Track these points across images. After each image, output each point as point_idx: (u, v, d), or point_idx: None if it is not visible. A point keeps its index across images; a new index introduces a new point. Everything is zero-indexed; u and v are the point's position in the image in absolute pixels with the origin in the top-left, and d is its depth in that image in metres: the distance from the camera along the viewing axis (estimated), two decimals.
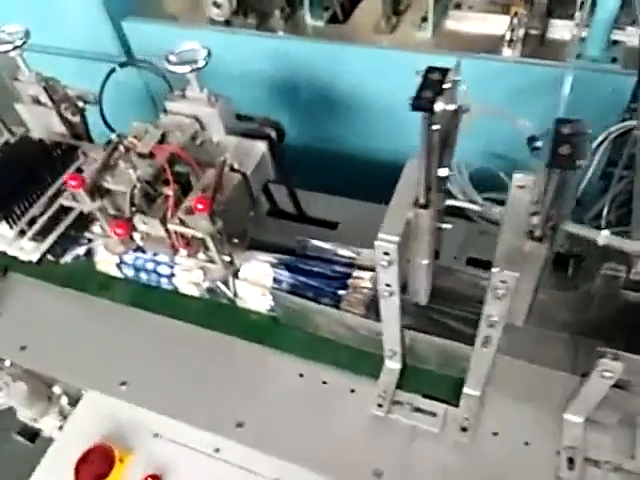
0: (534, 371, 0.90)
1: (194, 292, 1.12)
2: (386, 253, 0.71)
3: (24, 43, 1.13)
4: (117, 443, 0.94)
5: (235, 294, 1.08)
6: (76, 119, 1.21)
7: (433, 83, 0.62)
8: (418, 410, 0.91)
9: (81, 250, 1.19)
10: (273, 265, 1.05)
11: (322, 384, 0.98)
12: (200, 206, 0.86)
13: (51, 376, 1.09)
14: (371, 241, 1.08)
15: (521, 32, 1.21)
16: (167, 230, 0.99)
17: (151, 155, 0.98)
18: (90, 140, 1.26)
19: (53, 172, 1.19)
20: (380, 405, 0.91)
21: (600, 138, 1.17)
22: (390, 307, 0.80)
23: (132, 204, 0.98)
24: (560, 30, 1.27)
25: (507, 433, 0.88)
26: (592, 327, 0.89)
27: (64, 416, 1.13)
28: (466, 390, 0.91)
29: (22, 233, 1.13)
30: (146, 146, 0.98)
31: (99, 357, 1.07)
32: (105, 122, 1.12)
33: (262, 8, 1.45)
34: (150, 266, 1.13)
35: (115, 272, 1.18)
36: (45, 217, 1.13)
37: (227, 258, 0.98)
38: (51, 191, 1.16)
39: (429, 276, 0.82)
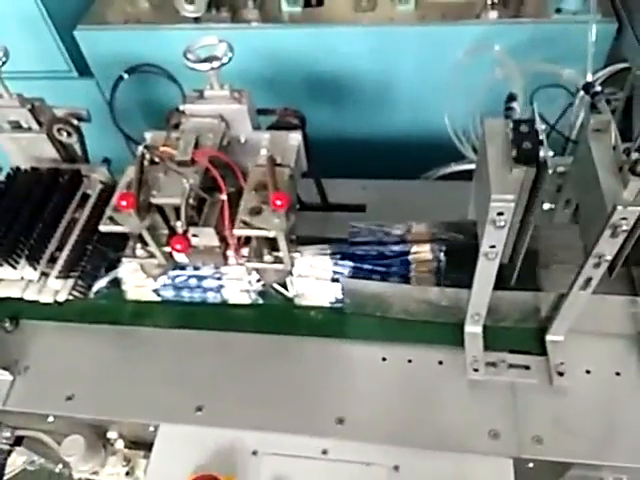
0: (604, 302, 0.94)
1: (246, 300, 1.07)
2: (500, 213, 0.71)
3: (4, 63, 1.01)
4: (216, 471, 0.88)
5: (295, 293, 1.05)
6: (71, 140, 1.10)
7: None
8: (512, 366, 0.93)
9: (103, 282, 1.10)
10: (330, 256, 1.02)
11: (408, 363, 0.97)
12: (279, 202, 0.82)
13: (116, 420, 0.99)
14: (402, 216, 1.10)
15: None
16: (223, 238, 0.94)
17: (192, 162, 0.92)
18: (87, 161, 1.16)
19: (59, 202, 1.08)
20: (476, 369, 0.92)
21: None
22: (489, 270, 0.81)
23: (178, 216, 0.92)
24: None
25: (598, 368, 0.92)
26: None
27: (127, 461, 1.04)
28: (551, 337, 0.94)
29: (44, 274, 1.02)
30: (185, 153, 0.92)
31: (162, 387, 0.99)
32: (125, 134, 1.03)
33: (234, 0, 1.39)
34: (193, 282, 1.06)
35: (150, 297, 1.09)
36: (66, 252, 1.03)
37: (296, 255, 0.94)
38: (64, 223, 1.06)
39: (515, 235, 0.84)
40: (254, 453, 0.91)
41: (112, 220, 0.91)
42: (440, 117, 1.34)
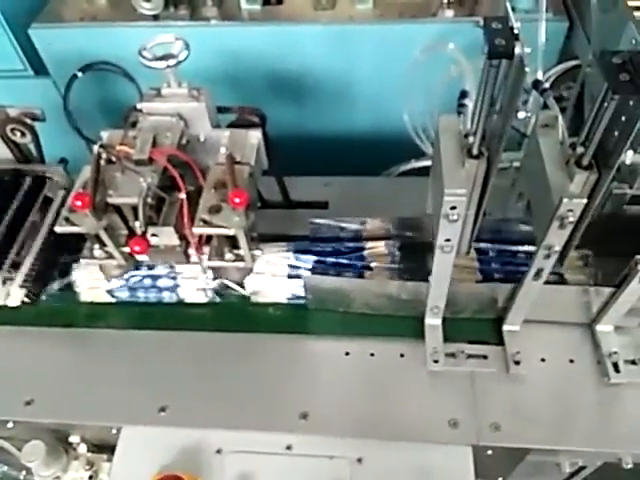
0: (558, 292, 0.97)
1: (202, 299, 1.06)
2: (453, 207, 0.73)
3: None
4: (181, 470, 0.88)
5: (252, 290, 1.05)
6: (25, 140, 1.08)
7: (499, 31, 0.64)
8: (470, 356, 0.95)
9: (57, 285, 1.08)
10: (292, 252, 1.03)
11: (370, 356, 0.99)
12: (238, 200, 0.82)
13: (77, 424, 0.98)
14: (364, 212, 1.12)
15: None
16: (183, 237, 0.94)
17: (150, 161, 0.91)
18: (42, 161, 1.13)
19: (6, 204, 1.05)
20: (436, 361, 0.94)
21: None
22: (445, 263, 0.83)
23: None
24: None
25: (553, 356, 0.95)
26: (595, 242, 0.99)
27: (91, 465, 1.02)
28: (507, 327, 0.97)
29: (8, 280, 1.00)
30: (143, 152, 0.91)
31: (123, 389, 0.98)
32: (80, 133, 1.01)
33: None
34: (148, 282, 1.05)
35: (105, 298, 1.08)
36: (30, 258, 1.01)
37: (257, 252, 0.95)
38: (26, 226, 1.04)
39: (473, 228, 0.86)
40: (218, 452, 0.91)
41: (68, 221, 0.90)
42: (400, 115, 1.36)
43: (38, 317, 1.07)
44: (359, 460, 0.88)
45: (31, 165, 1.11)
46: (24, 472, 1.42)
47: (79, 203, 0.83)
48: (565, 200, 0.69)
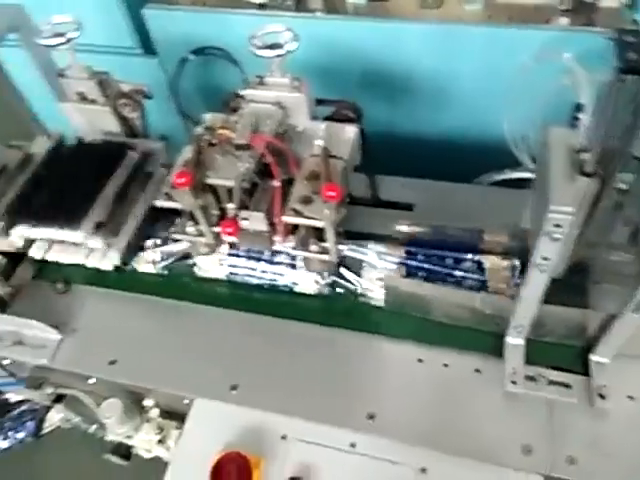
0: None
1: (312, 290, 1.06)
2: (558, 225, 0.69)
3: (78, 36, 1.05)
4: (244, 450, 0.90)
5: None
6: (134, 115, 1.13)
7: (631, 45, 0.60)
8: (552, 383, 0.91)
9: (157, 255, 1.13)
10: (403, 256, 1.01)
11: (444, 367, 0.96)
12: (331, 194, 0.82)
13: (154, 389, 1.02)
14: (450, 219, 1.09)
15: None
16: (272, 223, 0.95)
17: (249, 146, 0.93)
18: (145, 137, 1.19)
19: (109, 173, 1.11)
20: (514, 382, 0.91)
21: None
22: (538, 281, 0.79)
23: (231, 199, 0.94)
24: None
25: None
26: None
27: (160, 429, 1.07)
28: (596, 358, 0.92)
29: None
30: (243, 137, 0.93)
31: (200, 363, 1.01)
32: (185, 114, 1.04)
33: None
34: (265, 267, 1.07)
35: (221, 276, 1.11)
36: (132, 224, 1.06)
37: (342, 247, 0.95)
38: (110, 192, 1.09)
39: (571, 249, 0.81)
40: (283, 437, 0.92)
41: (168, 196, 0.94)
42: (497, 121, 1.31)
43: (132, 284, 1.13)
44: (423, 470, 0.86)
45: (135, 139, 1.16)
46: (94, 426, 1.51)
47: (181, 180, 0.86)
48: None
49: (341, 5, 1.39)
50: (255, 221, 0.94)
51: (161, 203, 0.94)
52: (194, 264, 1.11)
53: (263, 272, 1.08)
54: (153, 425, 1.07)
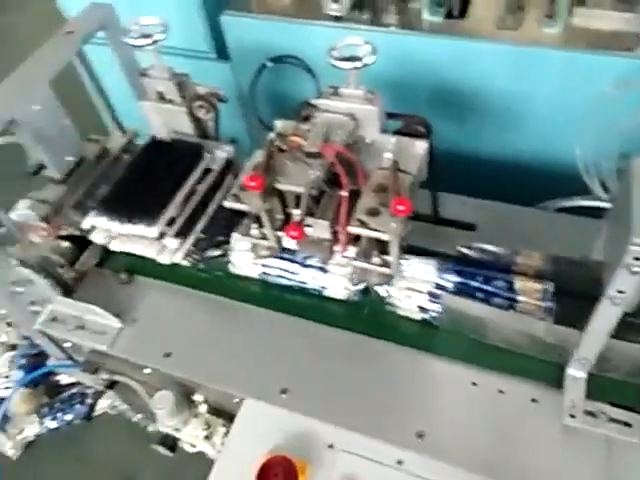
0: None
1: (343, 295, 1.08)
2: (638, 258, 0.67)
3: (164, 38, 1.09)
4: (291, 454, 0.90)
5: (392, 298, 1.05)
6: (208, 117, 1.17)
7: None
8: (612, 420, 0.88)
9: (216, 252, 1.16)
10: (431, 268, 1.02)
11: (499, 393, 0.94)
12: (401, 208, 0.82)
13: (206, 385, 1.05)
14: (512, 242, 1.07)
15: None
16: (334, 232, 0.96)
17: (319, 155, 0.95)
18: (216, 138, 1.22)
19: (184, 172, 1.15)
20: (573, 415, 0.88)
21: None
22: (610, 315, 0.77)
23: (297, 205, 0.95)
24: None
25: None
26: None
27: (208, 425, 1.09)
28: None
29: (162, 235, 1.09)
30: (315, 145, 0.95)
31: (252, 363, 1.03)
32: (261, 120, 1.07)
33: (375, 3, 1.41)
34: (298, 269, 1.09)
35: (255, 275, 1.14)
36: (184, 216, 1.10)
37: (403, 262, 0.95)
38: (185, 191, 1.13)
39: None
40: (330, 446, 0.92)
41: (236, 198, 0.96)
42: (567, 148, 1.29)
43: (192, 280, 1.17)
44: None
45: (207, 141, 1.20)
46: (139, 415, 1.55)
47: (253, 184, 0.88)
48: None
49: (416, 21, 1.40)
50: (319, 229, 0.95)
51: (229, 204, 0.96)
52: (229, 262, 1.14)
53: (294, 274, 1.10)
54: (201, 420, 1.09)
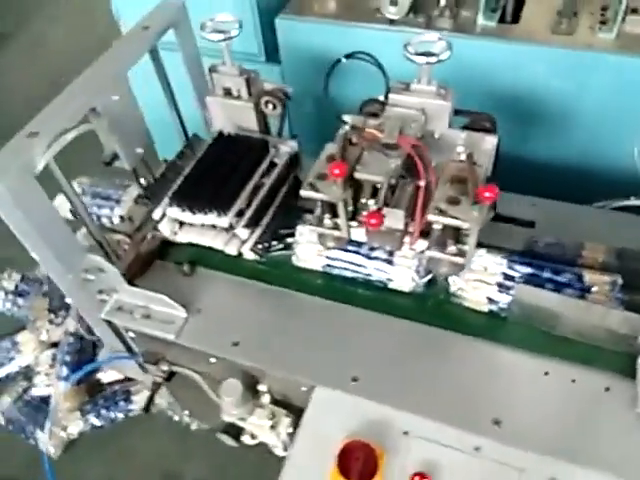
0: None
1: (409, 287, 1.10)
2: None
3: (239, 34, 1.13)
4: (367, 440, 0.91)
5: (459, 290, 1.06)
6: (275, 112, 1.19)
7: None
8: None
9: (280, 245, 1.18)
10: (501, 259, 1.03)
11: (571, 382, 0.95)
12: (488, 194, 0.84)
13: (274, 372, 1.06)
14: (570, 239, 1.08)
15: None
16: (406, 223, 0.98)
17: (395, 146, 0.97)
18: (279, 135, 1.25)
19: (252, 166, 1.17)
20: None
21: None
22: None
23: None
24: None
25: None
26: None
27: (272, 415, 1.10)
28: None
29: (232, 226, 1.11)
30: (392, 137, 0.97)
31: (321, 353, 1.04)
32: (333, 108, 1.09)
33: (430, 8, 1.45)
34: (362, 261, 1.11)
35: (318, 267, 1.15)
36: (253, 208, 1.12)
37: (480, 252, 0.96)
38: (251, 184, 1.15)
39: None
40: (405, 433, 0.93)
41: (313, 187, 0.98)
42: (618, 150, 1.31)
43: (254, 272, 1.18)
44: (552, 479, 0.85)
45: (271, 137, 1.23)
46: (186, 412, 1.56)
47: (337, 171, 0.90)
48: None
49: (470, 26, 1.43)
50: (394, 218, 0.97)
51: (306, 193, 0.98)
52: (291, 254, 1.16)
53: (359, 266, 1.12)
54: (266, 411, 1.10)
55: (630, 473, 0.84)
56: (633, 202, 1.25)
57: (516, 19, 1.43)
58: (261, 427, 1.10)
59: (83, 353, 1.72)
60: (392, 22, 1.46)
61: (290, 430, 1.10)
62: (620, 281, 0.98)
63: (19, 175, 0.89)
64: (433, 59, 0.98)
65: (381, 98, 1.09)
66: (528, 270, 1.01)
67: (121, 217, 1.27)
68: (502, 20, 1.43)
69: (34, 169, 0.92)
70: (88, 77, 1.03)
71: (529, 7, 1.45)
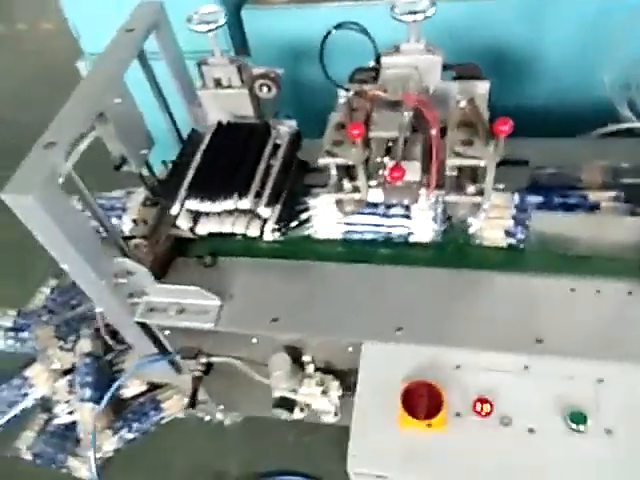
0: None
1: (428, 237, 1.15)
2: None
3: (225, 23, 1.15)
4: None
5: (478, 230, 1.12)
6: (270, 94, 1.22)
7: None
8: None
9: (296, 222, 1.21)
10: (517, 193, 1.10)
11: (597, 293, 1.03)
12: (504, 127, 0.90)
13: (321, 337, 1.09)
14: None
15: None
16: (426, 170, 1.04)
17: (399, 103, 1.02)
18: (276, 115, 1.28)
19: (258, 149, 1.20)
20: None
21: None
22: None
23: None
24: None
25: None
26: None
27: (320, 383, 1.13)
28: None
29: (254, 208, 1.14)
30: (396, 94, 1.02)
31: (361, 312, 1.08)
32: (331, 80, 1.12)
33: None
34: (380, 221, 1.16)
35: (337, 235, 1.20)
36: (269, 186, 1.15)
37: (500, 186, 1.03)
38: (262, 166, 1.18)
39: None
40: (457, 367, 0.99)
41: (330, 154, 1.02)
42: (590, 81, 1.40)
43: (274, 252, 1.22)
44: (600, 380, 0.92)
45: (270, 120, 1.26)
46: (221, 407, 1.57)
47: (356, 131, 0.94)
48: None
49: None
50: (411, 170, 1.02)
51: (325, 160, 1.02)
52: (309, 228, 1.21)
53: (379, 226, 1.17)
54: (315, 379, 1.13)
55: None
56: (611, 128, 1.34)
57: None
58: (313, 395, 1.14)
59: (101, 373, 1.71)
60: None
61: (340, 393, 1.14)
62: (622, 195, 1.06)
63: (45, 186, 0.89)
64: (420, 16, 1.04)
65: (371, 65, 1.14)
66: (539, 199, 1.08)
67: (134, 221, 1.27)
68: None
69: (58, 179, 0.93)
70: (90, 82, 1.04)
71: None
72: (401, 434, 0.93)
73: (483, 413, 0.92)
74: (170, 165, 1.27)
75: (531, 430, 0.90)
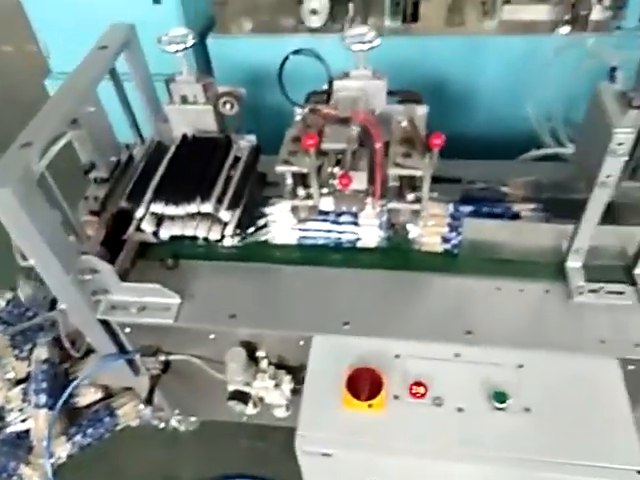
0: None
1: (374, 243, 1.27)
2: (621, 144, 0.93)
3: (193, 44, 1.27)
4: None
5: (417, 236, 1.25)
6: (233, 112, 1.34)
7: None
8: (610, 292, 1.12)
9: (253, 228, 1.31)
10: (452, 204, 1.24)
11: (520, 292, 1.17)
12: (437, 141, 1.03)
13: (275, 332, 1.18)
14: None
15: (583, 12, 1.53)
16: (372, 180, 1.16)
17: (349, 120, 1.15)
18: (238, 131, 1.39)
19: (220, 161, 1.31)
20: (581, 293, 1.12)
21: None
22: (600, 200, 1.02)
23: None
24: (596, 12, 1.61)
25: None
26: None
27: (273, 377, 1.21)
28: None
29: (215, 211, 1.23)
30: (346, 112, 1.15)
31: (310, 310, 1.18)
32: (289, 98, 1.24)
33: (344, 16, 1.67)
34: (331, 227, 1.27)
35: (292, 241, 1.30)
36: (230, 193, 1.25)
37: (434, 194, 1.16)
38: (223, 175, 1.28)
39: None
40: (397, 356, 1.09)
41: (287, 162, 1.14)
42: (516, 112, 1.59)
43: (232, 257, 1.30)
44: (520, 366, 1.05)
45: (231, 135, 1.37)
46: (177, 411, 1.62)
47: (311, 142, 1.06)
48: None
49: (379, 28, 1.67)
50: (358, 180, 1.14)
51: (281, 168, 1.13)
52: (266, 233, 1.31)
53: (330, 232, 1.29)
54: (267, 373, 1.21)
55: (574, 343, 1.07)
56: (535, 153, 1.52)
57: (416, 18, 1.68)
58: (266, 388, 1.22)
59: (57, 380, 1.72)
60: (313, 30, 1.67)
61: (292, 386, 1.23)
62: (540, 206, 1.22)
63: (21, 181, 0.97)
64: (367, 46, 1.19)
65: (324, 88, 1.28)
66: (470, 209, 1.22)
67: (85, 197, 1.31)
68: (404, 20, 1.68)
69: (33, 175, 1.00)
70: (65, 91, 1.12)
71: (424, 7, 1.71)
72: (345, 415, 1.02)
73: (418, 395, 1.03)
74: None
75: (460, 409, 1.02)
